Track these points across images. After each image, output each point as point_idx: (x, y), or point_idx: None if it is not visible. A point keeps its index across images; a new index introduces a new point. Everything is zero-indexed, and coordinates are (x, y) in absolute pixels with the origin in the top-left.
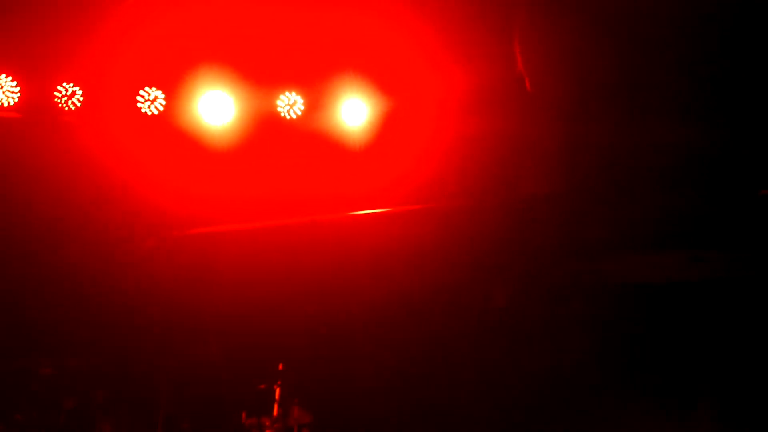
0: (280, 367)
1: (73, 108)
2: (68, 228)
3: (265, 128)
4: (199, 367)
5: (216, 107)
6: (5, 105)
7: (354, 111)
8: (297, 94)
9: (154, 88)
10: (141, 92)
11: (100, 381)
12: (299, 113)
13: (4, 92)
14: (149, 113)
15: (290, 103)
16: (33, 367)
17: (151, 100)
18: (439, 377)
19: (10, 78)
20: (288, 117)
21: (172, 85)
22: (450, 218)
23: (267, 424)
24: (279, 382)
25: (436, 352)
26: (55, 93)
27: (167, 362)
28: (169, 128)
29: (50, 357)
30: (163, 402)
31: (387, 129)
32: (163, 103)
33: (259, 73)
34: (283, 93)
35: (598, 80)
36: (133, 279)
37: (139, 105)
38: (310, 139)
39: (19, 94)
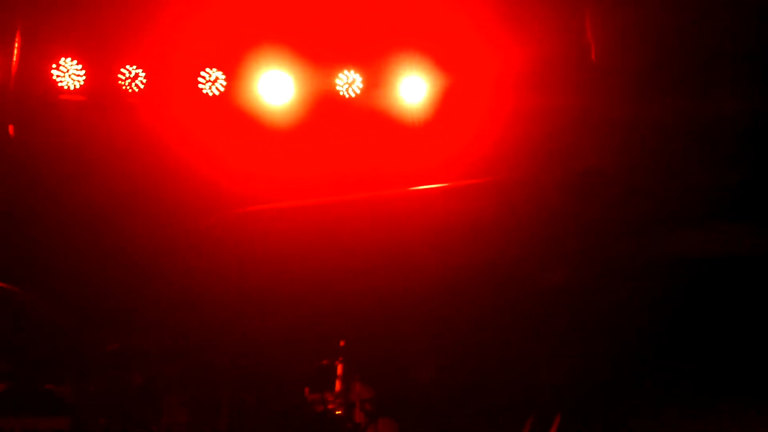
0: (342, 343)
1: (136, 90)
2: (132, 207)
3: (325, 106)
4: (261, 343)
5: (276, 87)
6: (71, 88)
7: (413, 88)
8: (356, 72)
9: (214, 69)
10: (202, 73)
11: (166, 357)
12: (358, 91)
13: (70, 76)
14: (210, 94)
15: (349, 82)
16: (102, 343)
17: (212, 81)
18: (497, 353)
19: (75, 62)
20: (347, 95)
21: (233, 66)
22: (508, 192)
23: (330, 399)
24: (341, 358)
25: (493, 329)
26: (119, 76)
27: (230, 338)
28: (229, 108)
29: (118, 333)
30: (226, 377)
31: (446, 105)
32: (224, 83)
33: (317, 52)
34: (342, 71)
35: (665, 53)
36: (195, 256)
37: (200, 86)
38: (369, 117)
39: (84, 78)
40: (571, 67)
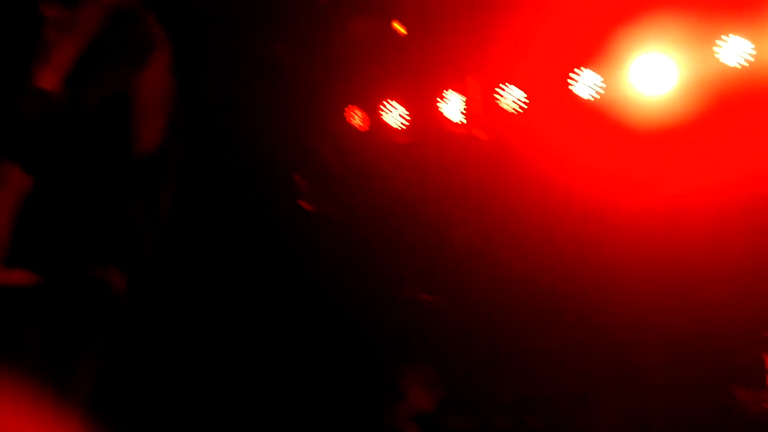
0: None
1: (515, 108)
2: (540, 215)
3: (713, 82)
4: (682, 339)
5: (655, 73)
6: (461, 123)
7: None
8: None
9: (585, 69)
10: (572, 74)
11: (594, 356)
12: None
13: (455, 109)
14: (585, 96)
15: (738, 52)
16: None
17: (586, 82)
18: None
19: (462, 97)
20: (735, 65)
21: (602, 61)
22: None
23: (766, 398)
24: None
25: None
26: (496, 97)
27: (655, 335)
28: (607, 107)
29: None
30: (657, 375)
31: None
32: (598, 82)
33: (695, 19)
34: (722, 39)
35: None
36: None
37: (572, 88)
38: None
39: (465, 108)
40: None
